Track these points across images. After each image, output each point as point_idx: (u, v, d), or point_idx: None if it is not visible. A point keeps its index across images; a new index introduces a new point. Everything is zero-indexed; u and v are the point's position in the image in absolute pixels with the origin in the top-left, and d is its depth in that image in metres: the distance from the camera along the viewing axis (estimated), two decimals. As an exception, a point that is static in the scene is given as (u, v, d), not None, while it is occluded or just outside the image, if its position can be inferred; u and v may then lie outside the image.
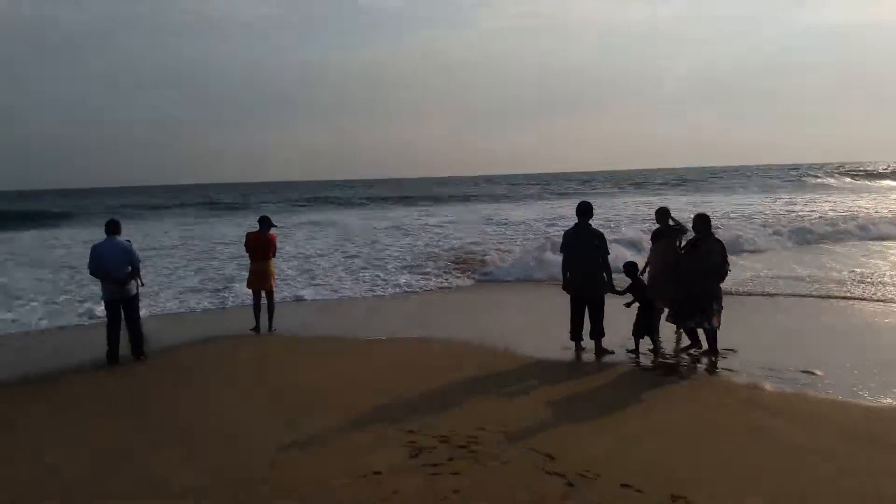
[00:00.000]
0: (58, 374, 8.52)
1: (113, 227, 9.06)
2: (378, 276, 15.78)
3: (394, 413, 6.42)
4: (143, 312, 9.65)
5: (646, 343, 8.61)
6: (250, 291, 10.82)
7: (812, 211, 29.36)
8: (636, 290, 8.73)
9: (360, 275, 15.97)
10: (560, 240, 9.09)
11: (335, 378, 7.86)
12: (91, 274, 8.94)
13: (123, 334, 8.95)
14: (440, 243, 21.24)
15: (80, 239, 24.43)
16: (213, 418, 6.56)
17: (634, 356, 8.45)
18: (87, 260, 8.92)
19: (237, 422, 6.41)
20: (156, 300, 13.24)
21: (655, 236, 9.17)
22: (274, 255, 10.87)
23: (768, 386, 7.05)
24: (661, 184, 70.96)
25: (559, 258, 8.99)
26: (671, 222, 9.01)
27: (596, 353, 8.59)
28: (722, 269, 8.13)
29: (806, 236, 20.87)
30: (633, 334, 8.64)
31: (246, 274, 11.06)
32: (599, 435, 5.74)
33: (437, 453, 5.34)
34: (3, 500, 4.96)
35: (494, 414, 6.28)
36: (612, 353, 8.57)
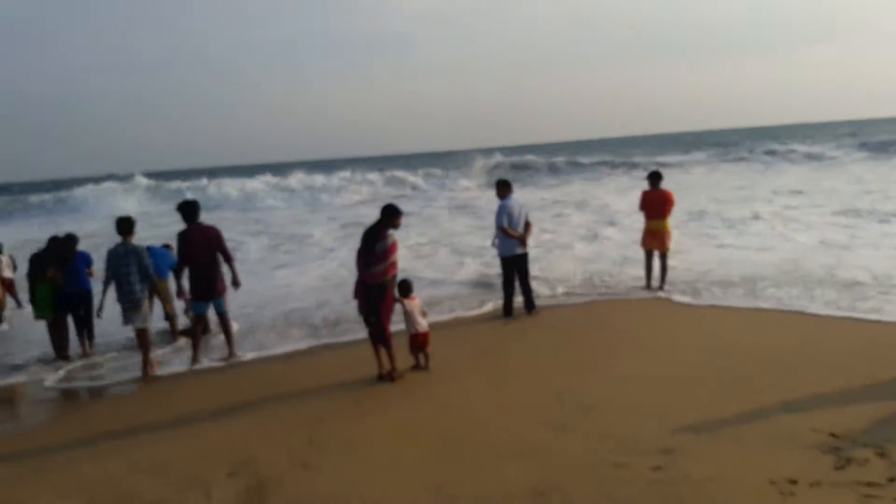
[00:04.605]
0: (456, 322, 9.23)
1: (507, 186, 9.38)
2: None
3: (805, 405, 5.42)
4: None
5: None
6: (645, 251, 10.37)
7: None
8: None
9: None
10: None
11: (728, 351, 7.00)
12: (498, 229, 9.23)
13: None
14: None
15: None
16: (600, 385, 6.35)
17: None
18: (496, 215, 9.21)
19: (625, 391, 6.08)
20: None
21: None
22: (669, 214, 10.24)
23: None
24: None
25: None
26: None
27: None
28: None
29: None
30: None
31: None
32: None
33: (871, 469, 4.28)
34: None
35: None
36: None
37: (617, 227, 17.32)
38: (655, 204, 10.20)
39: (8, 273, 13.19)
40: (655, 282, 10.26)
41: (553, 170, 42.11)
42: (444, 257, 14.82)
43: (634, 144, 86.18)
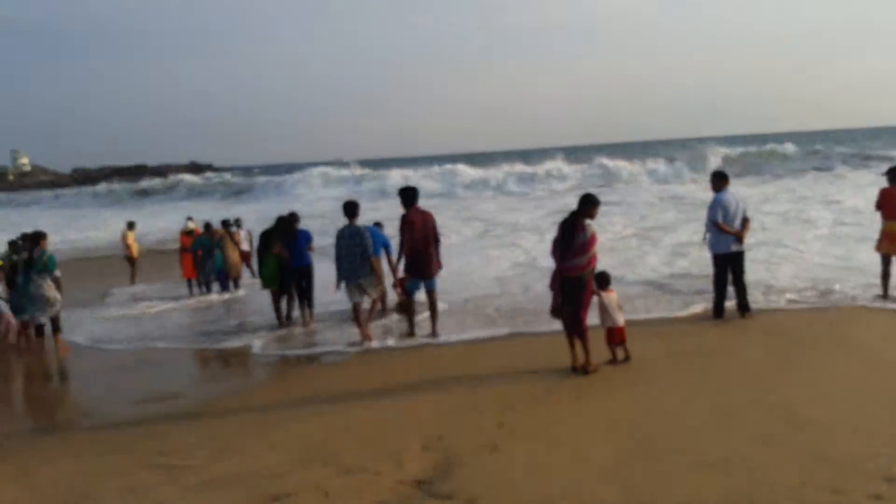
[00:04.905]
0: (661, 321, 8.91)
1: (724, 178, 8.78)
2: None
3: None
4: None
5: None
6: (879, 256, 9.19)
7: None
8: None
9: None
10: None
11: None
12: (710, 223, 8.63)
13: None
14: None
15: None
16: (817, 400, 5.73)
17: None
18: (709, 209, 8.65)
19: (845, 410, 5.43)
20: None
21: None
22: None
23: None
24: None
25: None
26: None
27: None
28: None
29: None
30: None
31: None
32: None
33: None
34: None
35: None
36: None
37: (850, 227, 15.63)
38: (893, 202, 9.03)
39: (245, 246, 14.84)
40: (894, 291, 9.09)
41: (781, 161, 38.76)
42: (647, 252, 14.28)
43: (879, 136, 76.63)
